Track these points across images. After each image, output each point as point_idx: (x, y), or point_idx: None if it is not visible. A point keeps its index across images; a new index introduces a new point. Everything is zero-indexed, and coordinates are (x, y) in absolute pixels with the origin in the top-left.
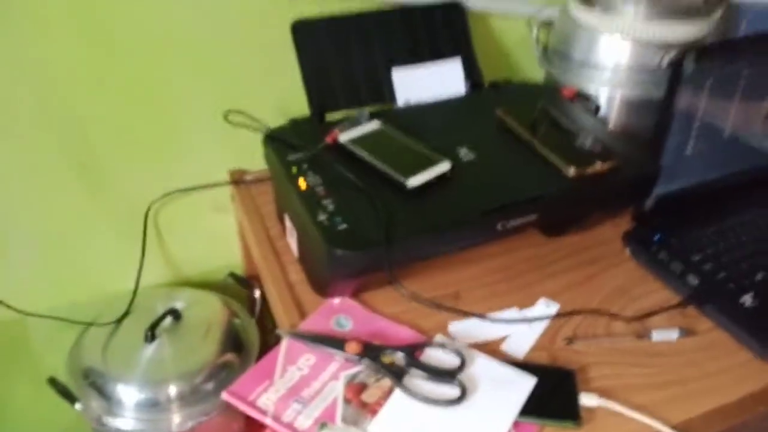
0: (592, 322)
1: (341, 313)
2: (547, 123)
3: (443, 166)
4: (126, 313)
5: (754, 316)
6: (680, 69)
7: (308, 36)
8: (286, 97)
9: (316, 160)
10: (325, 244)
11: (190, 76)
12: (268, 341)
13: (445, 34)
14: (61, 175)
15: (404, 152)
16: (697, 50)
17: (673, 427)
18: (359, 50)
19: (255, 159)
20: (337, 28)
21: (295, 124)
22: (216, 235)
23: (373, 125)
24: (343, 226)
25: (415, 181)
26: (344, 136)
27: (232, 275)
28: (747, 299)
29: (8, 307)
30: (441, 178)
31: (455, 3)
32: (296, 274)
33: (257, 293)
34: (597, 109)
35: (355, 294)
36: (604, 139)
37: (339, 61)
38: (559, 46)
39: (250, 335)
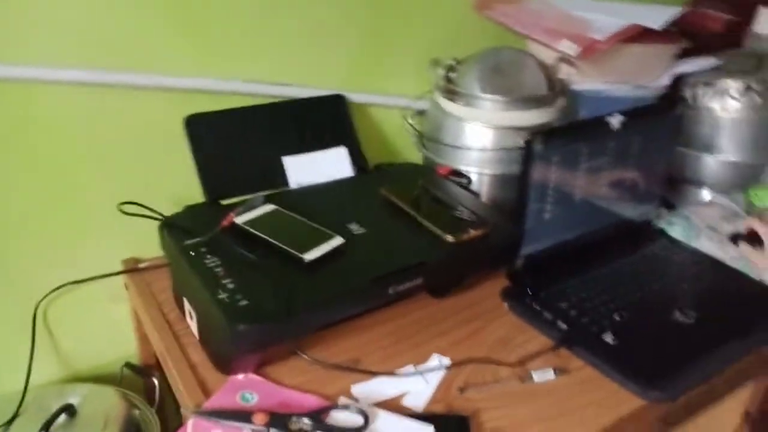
0: (480, 370)
1: (246, 389)
2: (426, 198)
3: (336, 241)
4: (15, 415)
5: (615, 352)
6: (531, 148)
7: (201, 128)
8: (183, 188)
9: (214, 242)
10: (226, 321)
11: (86, 168)
12: (169, 428)
13: (331, 123)
14: None
15: (299, 230)
16: (543, 133)
17: None
18: (251, 140)
19: (150, 247)
20: (228, 120)
21: (190, 210)
22: (110, 326)
23: (268, 207)
24: (244, 302)
25: (311, 255)
26: (240, 219)
27: (128, 365)
28: (608, 337)
29: None
30: (335, 252)
31: (338, 95)
32: (198, 355)
33: (155, 381)
34: (468, 182)
35: (259, 369)
36: (476, 209)
37: (232, 151)
38: (432, 132)
39: (150, 425)
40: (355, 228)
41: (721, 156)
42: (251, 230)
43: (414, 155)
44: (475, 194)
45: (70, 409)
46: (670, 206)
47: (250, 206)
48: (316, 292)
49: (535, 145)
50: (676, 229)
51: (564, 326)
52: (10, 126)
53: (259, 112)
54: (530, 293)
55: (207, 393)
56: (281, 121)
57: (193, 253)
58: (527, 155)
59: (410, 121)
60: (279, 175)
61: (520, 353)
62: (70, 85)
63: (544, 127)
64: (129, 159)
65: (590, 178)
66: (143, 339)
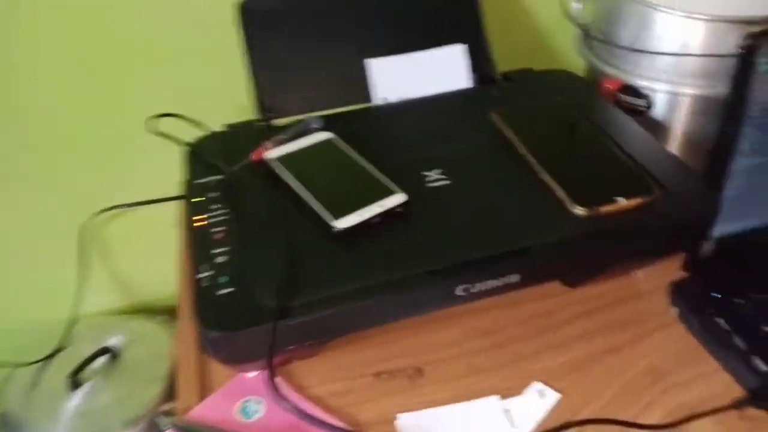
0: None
1: (253, 395)
2: (561, 133)
3: (394, 199)
4: (58, 349)
5: None
6: (751, 57)
7: (259, 17)
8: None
9: (230, 185)
10: (197, 317)
11: (138, 73)
12: None
13: (444, 9)
14: None
15: (348, 178)
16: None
17: None
18: (327, 33)
19: None
20: (297, 4)
21: (227, 133)
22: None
23: (320, 136)
24: (226, 289)
25: (344, 221)
26: (274, 153)
27: None
28: None
29: None
30: (387, 218)
31: None
32: None
33: None
34: (647, 107)
35: (282, 364)
36: (646, 156)
37: (299, 49)
38: (603, 25)
39: None
40: (433, 177)
41: None
42: (281, 172)
43: (574, 62)
44: (648, 132)
45: (109, 352)
46: None
47: (295, 133)
48: (337, 283)
49: (761, 53)
50: None
51: (766, 368)
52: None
53: None
54: (717, 299)
55: (207, 387)
56: (371, 7)
57: (199, 199)
58: (743, 68)
59: (575, 4)
60: (359, 86)
61: (680, 401)
62: None
63: None
64: (181, 58)
65: None
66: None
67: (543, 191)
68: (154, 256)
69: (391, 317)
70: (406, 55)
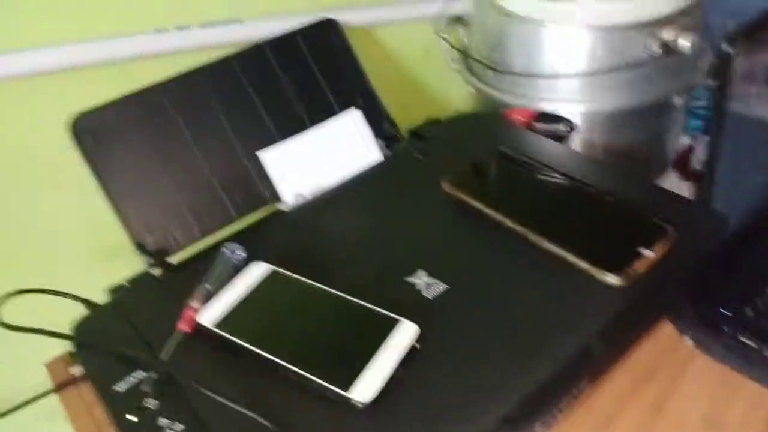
0: None
1: None
2: (527, 187)
3: (403, 334)
4: None
5: None
6: (728, 57)
7: (102, 133)
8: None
9: (171, 379)
10: None
11: None
12: None
13: (323, 73)
14: None
15: (327, 321)
16: (744, 30)
17: None
18: (198, 132)
19: None
20: (145, 107)
21: (124, 299)
22: None
23: (256, 272)
24: None
25: (366, 389)
26: (209, 316)
27: None
28: None
29: None
30: (406, 359)
31: (326, 20)
32: None
33: None
34: (570, 130)
35: None
36: (622, 189)
37: (166, 162)
38: (487, 52)
39: None
40: (423, 282)
41: None
42: (234, 341)
43: (457, 100)
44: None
45: None
46: None
47: (221, 277)
48: None
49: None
50: None
51: None
52: None
53: (196, 82)
54: (728, 316)
55: None
56: (239, 90)
57: (133, 417)
58: (721, 71)
59: (443, 35)
60: (259, 187)
61: None
62: None
63: (678, 20)
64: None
65: None
66: None
67: (558, 267)
68: None
69: None
70: (301, 136)
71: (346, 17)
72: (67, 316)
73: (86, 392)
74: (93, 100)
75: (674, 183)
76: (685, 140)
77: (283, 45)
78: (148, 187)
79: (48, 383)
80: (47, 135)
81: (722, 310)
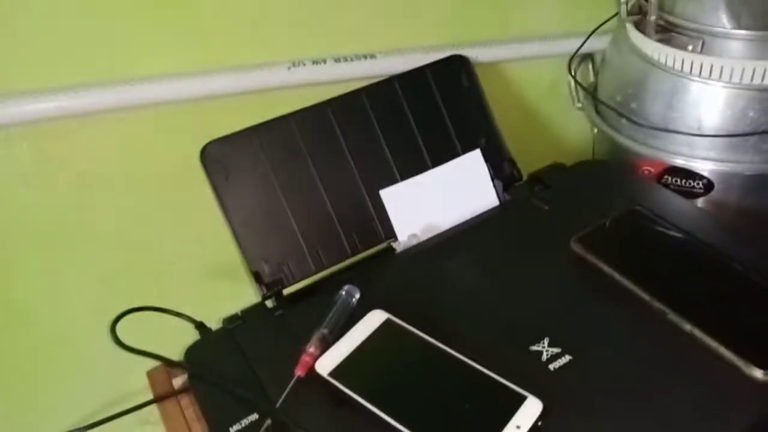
0: None
1: None
2: (666, 255)
3: (528, 411)
4: None
5: None
6: None
7: (230, 161)
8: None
9: (283, 427)
10: None
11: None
12: None
13: (450, 108)
14: None
15: (445, 385)
16: None
17: None
18: (320, 166)
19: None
20: (272, 139)
21: (238, 329)
22: None
23: (373, 320)
24: None
25: None
26: (327, 362)
27: None
28: None
29: None
30: None
31: (456, 56)
32: None
33: None
34: (706, 190)
35: None
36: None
37: (288, 193)
38: (621, 97)
39: None
40: (548, 353)
41: None
42: (354, 396)
43: (578, 138)
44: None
45: None
46: None
47: (337, 320)
48: None
49: None
50: None
51: None
52: None
53: (325, 114)
54: None
55: None
56: (365, 124)
57: None
58: None
59: (573, 75)
60: (376, 225)
61: None
62: None
63: None
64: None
65: None
66: None
67: (697, 351)
68: None
69: None
70: (422, 176)
71: (475, 53)
72: (170, 331)
73: (185, 405)
74: (225, 129)
75: None
76: None
77: (412, 79)
78: (269, 217)
79: (148, 391)
80: (176, 159)
81: None
